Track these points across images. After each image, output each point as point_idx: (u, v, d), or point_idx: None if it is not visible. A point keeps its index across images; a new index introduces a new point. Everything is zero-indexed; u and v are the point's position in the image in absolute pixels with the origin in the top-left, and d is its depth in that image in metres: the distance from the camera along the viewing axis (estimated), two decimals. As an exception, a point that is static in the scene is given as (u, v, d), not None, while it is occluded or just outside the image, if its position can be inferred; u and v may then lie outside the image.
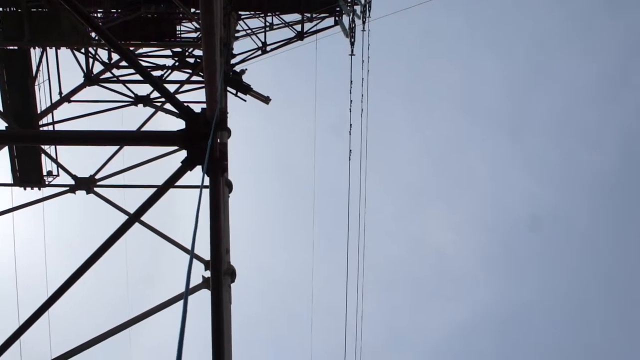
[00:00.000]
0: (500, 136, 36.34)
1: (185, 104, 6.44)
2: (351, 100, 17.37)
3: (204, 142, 5.87)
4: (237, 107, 15.16)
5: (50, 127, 15.81)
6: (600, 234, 35.27)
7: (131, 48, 17.62)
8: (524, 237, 36.17)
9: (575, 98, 35.08)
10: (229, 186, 10.45)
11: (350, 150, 17.50)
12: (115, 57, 17.48)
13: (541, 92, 35.50)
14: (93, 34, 15.27)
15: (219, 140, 6.78)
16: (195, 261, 10.12)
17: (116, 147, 14.37)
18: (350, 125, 17.54)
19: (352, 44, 17.51)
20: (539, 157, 35.88)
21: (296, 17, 18.17)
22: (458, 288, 35.95)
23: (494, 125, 36.57)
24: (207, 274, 9.56)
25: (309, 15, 17.96)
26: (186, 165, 6.31)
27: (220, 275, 7.73)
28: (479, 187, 36.79)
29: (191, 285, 9.41)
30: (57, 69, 16.27)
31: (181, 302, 9.26)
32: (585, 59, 34.51)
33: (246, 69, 14.20)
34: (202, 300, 9.00)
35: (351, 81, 17.31)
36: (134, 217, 7.37)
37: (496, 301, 34.96)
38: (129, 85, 17.06)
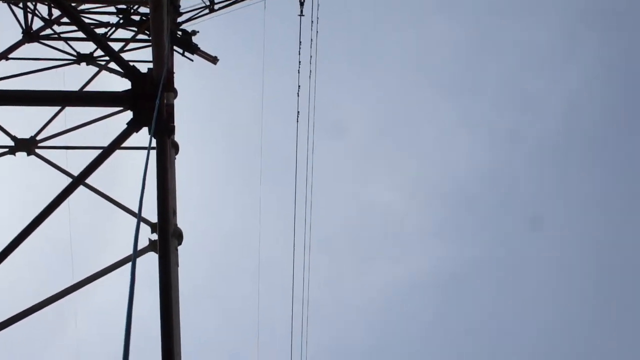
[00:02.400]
0: (448, 98, 36.67)
1: (131, 64, 6.27)
2: (300, 62, 17.23)
3: (150, 104, 5.75)
4: (184, 67, 14.88)
5: (-12, 86, 15.24)
6: (539, 194, 36.22)
7: (73, 4, 17.03)
8: (468, 197, 36.86)
9: (522, 64, 35.59)
10: (176, 148, 10.28)
11: (298, 112, 17.42)
12: (56, 12, 16.85)
13: (490, 55, 35.88)
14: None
15: (165, 102, 6.65)
16: (141, 224, 9.98)
17: (59, 108, 13.93)
18: (299, 86, 17.42)
19: (302, 3, 17.30)
20: (483, 120, 36.45)
21: (245, -26, 17.81)
22: (404, 247, 36.57)
23: (442, 86, 36.82)
24: (154, 236, 9.44)
25: (258, -27, 17.63)
26: (132, 127, 6.18)
27: (167, 237, 7.68)
28: (425, 147, 37.22)
29: (138, 248, 9.29)
30: (-6, 25, 15.65)
31: (128, 266, 9.16)
32: (535, 27, 34.96)
33: (197, 31, 13.90)
34: (148, 264, 8.91)
35: (300, 42, 17.14)
36: (79, 180, 7.22)
37: (441, 260, 35.72)
38: (71, 43, 16.51)
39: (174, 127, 6.36)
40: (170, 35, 12.05)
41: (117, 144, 6.59)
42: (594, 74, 34.26)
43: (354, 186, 36.59)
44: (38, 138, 13.81)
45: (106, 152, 6.75)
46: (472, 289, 35.65)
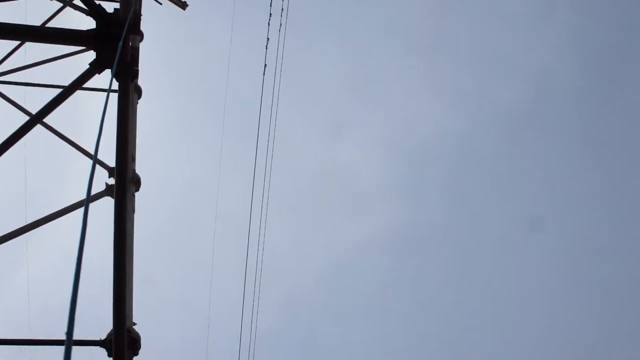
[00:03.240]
0: (416, 60, 36.62)
1: (97, 2, 6.08)
2: (271, 14, 16.93)
3: (114, 45, 5.59)
4: (151, 11, 14.50)
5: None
6: (507, 160, 36.70)
7: None
8: (430, 159, 37.19)
9: (495, 26, 35.62)
10: (139, 92, 10.09)
11: (265, 65, 17.18)
12: (20, -57, 16.24)
13: (462, 16, 35.81)
14: None
15: (131, 44, 6.48)
16: (99, 168, 9.82)
17: (18, 42, 13.49)
18: (268, 39, 17.14)
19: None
20: (451, 84, 36.55)
21: None
22: (363, 207, 36.85)
23: (411, 47, 36.74)
24: (111, 181, 9.31)
25: None
26: (94, 68, 6.02)
27: (125, 182, 7.58)
28: (393, 109, 37.27)
29: (94, 192, 9.15)
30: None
31: (82, 210, 9.02)
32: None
33: None
34: (104, 208, 8.79)
35: (271, -5, 16.81)
36: (36, 118, 7.03)
37: (400, 221, 36.16)
38: (34, -24, 15.96)
39: (137, 70, 6.21)
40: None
41: (78, 84, 6.42)
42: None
43: (319, 144, 36.58)
44: (-5, 72, 13.41)
45: (66, 92, 6.57)
46: (427, 251, 36.22)
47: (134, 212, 8.59)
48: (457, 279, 35.91)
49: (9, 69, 13.33)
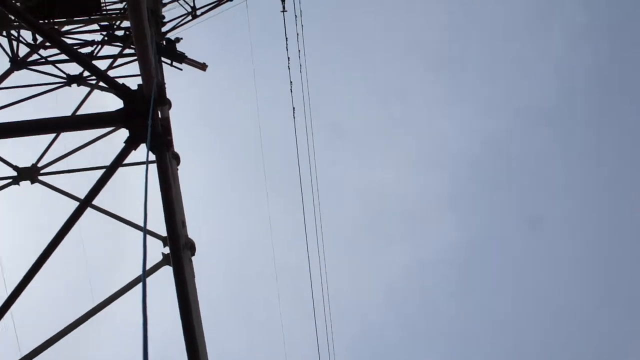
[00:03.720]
0: (439, 74, 36.52)
1: (121, 82, 6.24)
2: (288, 57, 17.16)
3: (144, 120, 5.72)
4: (174, 76, 14.83)
5: (-17, 119, 15.23)
6: (541, 164, 36.07)
7: (56, 27, 16.99)
8: (470, 172, 36.74)
9: (505, 35, 35.41)
10: (177, 159, 10.26)
11: (294, 108, 17.37)
12: (41, 37, 16.82)
13: (474, 30, 35.70)
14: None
15: (160, 115, 6.62)
16: (153, 239, 9.98)
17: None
18: (291, 82, 17.35)
19: (283, 0, 17.21)
20: (476, 93, 36.28)
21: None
22: (413, 227, 36.56)
23: (432, 65, 36.68)
24: (167, 250, 9.43)
25: (236, -27, 17.54)
26: (130, 145, 6.15)
27: (179, 249, 7.64)
28: (424, 126, 37.12)
29: (152, 264, 9.29)
30: (-21, 57, 15.62)
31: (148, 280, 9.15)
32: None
33: (181, 38, 13.82)
34: (166, 277, 8.89)
35: (286, 38, 17.06)
36: (85, 202, 7.19)
37: (453, 238, 35.70)
38: (61, 65, 16.49)
39: (171, 140, 6.33)
40: (156, 48, 12.00)
41: (117, 163, 6.57)
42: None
43: (358, 172, 36.56)
44: (39, 165, 13.83)
45: (108, 172, 6.73)
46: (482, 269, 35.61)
47: (194, 276, 8.66)
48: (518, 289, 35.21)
49: (50, 159, 13.74)
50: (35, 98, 16.20)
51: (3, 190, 13.77)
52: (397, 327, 35.15)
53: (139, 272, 9.14)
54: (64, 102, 16.54)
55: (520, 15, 34.64)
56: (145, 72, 5.72)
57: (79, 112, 14.74)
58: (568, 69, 34.27)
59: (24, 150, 14.29)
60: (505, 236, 36.01)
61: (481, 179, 36.11)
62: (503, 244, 36.07)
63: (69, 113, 14.63)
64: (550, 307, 34.03)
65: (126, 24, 17.03)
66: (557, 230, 34.87)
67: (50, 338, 8.22)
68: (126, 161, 7.56)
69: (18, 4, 15.72)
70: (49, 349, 8.16)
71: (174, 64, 13.91)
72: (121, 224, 11.07)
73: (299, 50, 17.14)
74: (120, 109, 5.96)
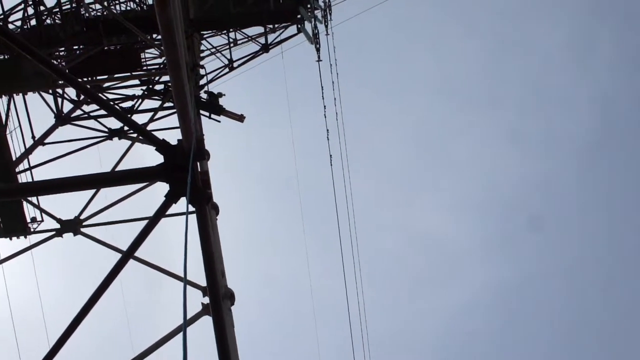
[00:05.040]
0: (478, 112, 36.56)
1: (161, 137, 6.43)
2: (325, 106, 17.39)
3: (184, 173, 5.87)
4: (213, 127, 15.13)
5: (28, 173, 15.69)
6: (590, 199, 35.56)
7: (98, 83, 17.55)
8: (512, 214, 36.35)
9: (545, 67, 35.39)
10: (216, 209, 10.43)
11: (331, 155, 17.52)
12: (82, 94, 17.36)
13: (512, 64, 35.77)
14: (58, 75, 15.15)
15: (199, 169, 6.78)
16: (193, 289, 10.09)
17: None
18: (327, 130, 17.55)
19: (318, 49, 17.52)
20: (519, 129, 36.13)
21: (259, 29, 18.16)
22: (455, 270, 36.14)
23: (470, 103, 36.78)
24: (206, 300, 9.51)
25: (271, 26, 17.95)
26: (170, 199, 6.30)
27: (219, 300, 7.71)
28: (464, 166, 36.99)
29: (192, 314, 9.37)
30: (27, 114, 16.17)
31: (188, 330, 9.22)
32: (551, 29, 34.84)
33: (224, 94, 14.12)
34: (205, 327, 8.96)
35: (322, 86, 17.32)
36: (128, 254, 7.34)
37: (494, 279, 35.16)
38: (102, 119, 16.98)
39: (210, 193, 6.47)
40: (195, 102, 12.30)
41: (158, 216, 6.72)
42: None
43: (396, 214, 36.42)
44: (82, 217, 14.16)
45: (150, 225, 6.88)
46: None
47: (233, 326, 8.71)
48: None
49: (92, 212, 14.06)
50: (80, 152, 16.67)
51: (47, 243, 14.10)
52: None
53: (179, 322, 9.23)
54: (106, 156, 16.97)
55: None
56: (184, 127, 5.89)
57: (120, 165, 15.10)
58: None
59: (65, 203, 14.67)
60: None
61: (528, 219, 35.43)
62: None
63: (112, 163, 15.01)
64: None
65: (165, 77, 17.51)
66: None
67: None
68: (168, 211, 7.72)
69: (63, 63, 16.30)
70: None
71: (213, 116, 14.22)
72: (160, 274, 11.23)
73: (335, 98, 17.38)
74: (161, 163, 6.12)
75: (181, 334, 9.30)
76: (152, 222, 6.84)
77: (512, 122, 36.02)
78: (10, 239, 15.13)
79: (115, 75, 17.08)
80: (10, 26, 16.25)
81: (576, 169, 35.54)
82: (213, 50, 18.19)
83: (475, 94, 36.45)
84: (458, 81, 36.53)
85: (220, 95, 14.04)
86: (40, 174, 15.84)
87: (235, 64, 17.94)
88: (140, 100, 17.62)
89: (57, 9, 16.37)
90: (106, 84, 17.97)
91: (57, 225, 14.08)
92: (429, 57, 35.96)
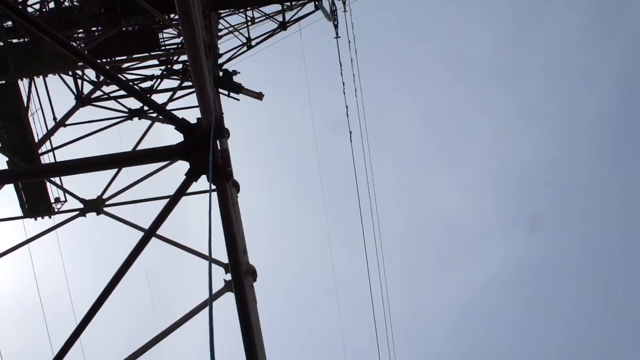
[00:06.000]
0: (496, 90, 36.25)
1: (181, 116, 6.49)
2: (343, 82, 17.36)
3: (204, 153, 5.92)
4: (232, 105, 15.17)
5: (50, 155, 15.88)
6: (607, 179, 35.21)
7: (118, 64, 17.64)
8: (533, 190, 36.15)
9: (564, 48, 34.91)
10: (236, 187, 10.49)
11: (350, 132, 17.52)
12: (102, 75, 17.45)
13: (529, 45, 35.37)
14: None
15: (219, 147, 6.83)
16: (215, 266, 10.21)
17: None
18: (347, 106, 17.53)
19: (336, 26, 17.45)
20: (537, 106, 35.81)
21: (276, 7, 18.11)
22: (474, 247, 36.09)
23: (488, 81, 36.46)
24: (228, 277, 9.63)
25: (288, 3, 17.89)
26: (190, 177, 6.37)
27: (241, 276, 7.80)
28: (482, 143, 36.77)
29: (214, 290, 9.50)
30: (48, 96, 16.32)
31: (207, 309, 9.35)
32: (568, 12, 34.33)
33: (238, 72, 14.15)
34: (227, 304, 9.08)
35: (340, 63, 17.29)
36: (150, 232, 7.44)
37: (514, 256, 35.07)
38: (122, 100, 17.11)
39: (231, 171, 6.53)
40: (213, 81, 12.33)
41: (179, 194, 6.80)
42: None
43: (412, 191, 36.38)
44: (104, 197, 14.32)
45: (171, 203, 6.96)
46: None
47: (255, 302, 8.81)
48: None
49: (114, 191, 14.21)
50: (101, 132, 16.83)
51: (70, 223, 14.30)
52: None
53: (201, 299, 9.36)
54: (127, 136, 17.11)
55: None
56: (203, 105, 5.93)
57: (141, 144, 15.22)
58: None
59: (88, 183, 14.85)
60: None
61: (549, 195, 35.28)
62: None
63: (133, 143, 15.13)
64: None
65: (184, 57, 17.56)
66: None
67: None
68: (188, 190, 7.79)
69: (82, 45, 16.40)
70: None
71: (231, 94, 14.25)
72: (179, 251, 11.35)
73: (354, 75, 17.34)
74: (181, 142, 6.18)
75: (204, 310, 9.44)
76: (173, 200, 6.92)
77: (528, 98, 35.67)
78: (35, 219, 15.36)
79: (134, 56, 17.14)
80: (29, 9, 16.35)
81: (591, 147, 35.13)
82: (231, 29, 18.20)
83: (491, 71, 36.10)
84: (473, 59, 36.19)
85: (235, 73, 14.07)
86: (63, 155, 16.04)
87: (253, 42, 17.94)
88: (159, 80, 17.71)
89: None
90: (125, 65, 18.07)
91: (81, 205, 14.25)
92: (448, 34, 35.64)
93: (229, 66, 16.59)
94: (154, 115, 16.28)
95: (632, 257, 34.03)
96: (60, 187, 15.07)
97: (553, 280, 34.80)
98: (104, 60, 16.97)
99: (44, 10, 16.43)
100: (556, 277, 35.22)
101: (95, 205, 14.09)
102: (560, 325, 34.19)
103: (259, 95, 14.19)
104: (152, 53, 17.29)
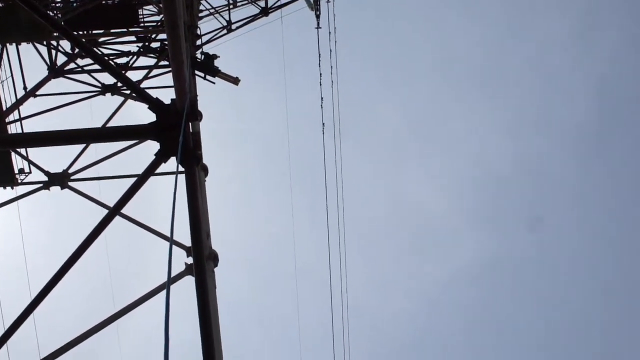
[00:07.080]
0: (474, 93, 36.54)
1: (155, 95, 6.42)
2: (321, 74, 17.34)
3: (175, 134, 5.87)
4: (207, 89, 15.06)
5: (18, 124, 15.60)
6: (579, 183, 35.77)
7: (94, 37, 17.39)
8: (500, 188, 36.57)
9: (546, 54, 35.31)
10: (205, 170, 10.44)
11: (324, 123, 17.52)
12: (76, 47, 17.18)
13: (512, 47, 35.69)
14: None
15: (191, 129, 6.78)
16: (177, 248, 10.14)
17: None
18: (322, 98, 17.52)
19: (318, 16, 17.42)
20: (514, 111, 36.19)
21: (259, -7, 18.01)
22: (441, 242, 36.43)
23: (468, 83, 36.72)
24: (190, 260, 9.58)
25: (272, -11, 17.81)
26: (160, 158, 6.30)
27: (202, 260, 7.76)
28: (456, 144, 37.08)
29: (174, 273, 9.44)
30: (20, 64, 16.02)
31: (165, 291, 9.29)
32: (552, 16, 34.71)
33: (218, 56, 14.04)
34: (187, 287, 9.03)
35: (319, 54, 17.26)
36: (114, 211, 7.36)
37: (481, 252, 35.51)
38: (96, 74, 16.87)
39: (201, 154, 6.48)
40: (191, 63, 12.24)
41: (147, 174, 6.73)
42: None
43: (383, 185, 36.57)
44: (70, 171, 14.14)
45: (138, 183, 6.89)
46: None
47: (215, 287, 8.79)
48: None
49: (81, 167, 14.03)
50: (72, 105, 16.59)
51: (34, 195, 14.10)
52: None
53: (161, 280, 9.30)
54: (97, 111, 16.89)
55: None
56: (179, 86, 5.88)
57: (112, 121, 15.05)
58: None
59: (54, 157, 14.64)
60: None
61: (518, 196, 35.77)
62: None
63: (103, 119, 14.96)
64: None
65: (162, 35, 17.37)
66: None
67: (71, 341, 8.39)
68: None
69: (59, 15, 16.13)
70: (70, 351, 8.33)
71: (207, 77, 14.14)
72: (142, 231, 11.26)
73: (332, 67, 17.32)
74: (153, 122, 6.11)
75: (163, 292, 9.39)
76: (141, 180, 6.85)
77: (507, 102, 36.06)
78: (-3, 188, 15.10)
79: (112, 30, 16.92)
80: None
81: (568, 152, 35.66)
82: (212, 10, 18.04)
83: (472, 73, 36.38)
84: (455, 58, 36.40)
85: (215, 57, 13.95)
86: (31, 126, 15.77)
87: (233, 26, 17.82)
88: (135, 57, 17.50)
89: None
90: (102, 39, 17.81)
91: (45, 178, 14.05)
92: (433, 30, 35.78)
93: (208, 49, 16.47)
94: (128, 92, 16.09)
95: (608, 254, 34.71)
96: (26, 158, 14.83)
97: (520, 280, 35.34)
98: (81, 32, 16.71)
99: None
100: (528, 276, 35.79)
101: (60, 179, 13.90)
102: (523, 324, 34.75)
103: (235, 80, 14.10)
104: (130, 29, 17.07)
